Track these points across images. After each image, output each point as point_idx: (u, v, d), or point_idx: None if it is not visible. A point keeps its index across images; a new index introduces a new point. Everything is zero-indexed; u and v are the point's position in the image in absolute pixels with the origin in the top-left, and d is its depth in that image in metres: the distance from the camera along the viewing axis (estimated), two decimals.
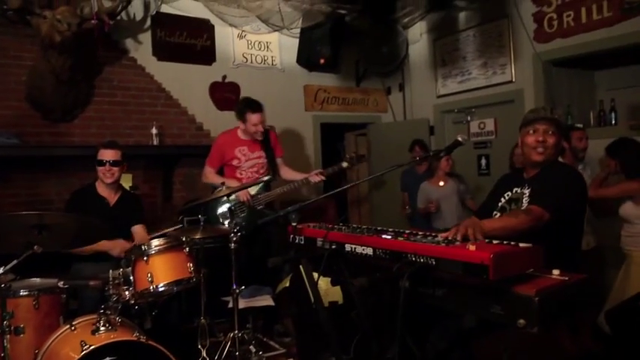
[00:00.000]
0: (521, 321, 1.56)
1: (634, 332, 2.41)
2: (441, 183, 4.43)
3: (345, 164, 3.90)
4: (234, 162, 3.89)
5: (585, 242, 3.69)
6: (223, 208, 3.81)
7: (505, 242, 1.78)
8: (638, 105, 4.50)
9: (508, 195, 2.37)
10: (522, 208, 2.12)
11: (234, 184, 3.68)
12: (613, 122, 4.27)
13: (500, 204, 2.40)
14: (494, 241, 1.82)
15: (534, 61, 4.69)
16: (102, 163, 3.19)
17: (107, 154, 3.20)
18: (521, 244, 1.75)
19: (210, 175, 3.95)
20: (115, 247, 3.07)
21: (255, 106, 3.85)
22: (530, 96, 4.73)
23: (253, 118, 3.80)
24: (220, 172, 3.98)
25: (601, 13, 4.15)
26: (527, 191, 2.27)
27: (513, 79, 4.89)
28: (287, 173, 4.05)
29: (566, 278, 1.69)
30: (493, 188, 2.55)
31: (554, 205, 2.09)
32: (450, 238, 1.88)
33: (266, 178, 3.79)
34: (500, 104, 4.89)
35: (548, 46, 4.56)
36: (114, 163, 3.20)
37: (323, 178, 3.88)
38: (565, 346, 3.49)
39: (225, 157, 3.90)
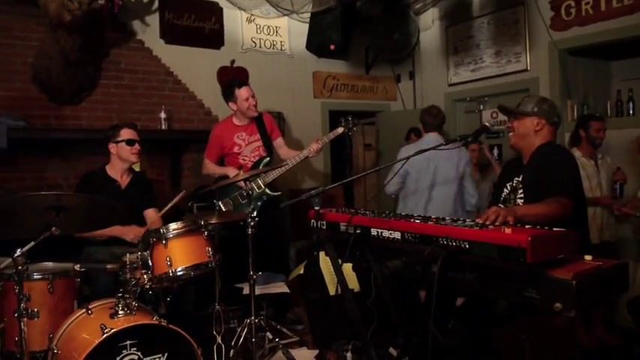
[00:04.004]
0: (558, 305, 1.55)
1: None
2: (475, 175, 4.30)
3: (340, 129, 3.81)
4: (235, 149, 3.81)
5: (609, 234, 3.67)
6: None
7: (538, 227, 1.78)
8: None
9: (510, 185, 2.40)
10: (553, 198, 2.09)
11: (233, 172, 3.62)
12: (631, 112, 4.22)
13: (503, 195, 2.43)
14: (527, 226, 1.81)
15: (550, 49, 4.62)
16: (131, 143, 3.17)
17: (133, 134, 3.20)
18: (555, 229, 1.74)
19: (209, 166, 3.87)
20: (129, 232, 3.01)
21: (239, 81, 3.83)
22: (545, 85, 4.68)
23: (242, 92, 3.72)
24: (220, 163, 3.91)
25: (621, 1, 4.09)
26: (522, 179, 2.32)
27: (528, 68, 4.84)
28: (288, 153, 3.93)
29: (601, 263, 1.70)
30: (499, 177, 2.59)
31: (574, 194, 2.14)
32: (482, 222, 1.87)
33: (266, 159, 3.78)
34: (514, 93, 4.81)
35: (565, 34, 4.50)
36: (139, 143, 3.22)
37: (320, 145, 3.77)
38: (580, 338, 3.48)
39: (224, 146, 3.82)
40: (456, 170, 3.59)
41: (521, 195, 2.29)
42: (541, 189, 2.16)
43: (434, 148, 2.47)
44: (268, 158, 3.83)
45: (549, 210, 2.02)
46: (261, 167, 3.75)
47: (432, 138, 3.56)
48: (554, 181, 2.14)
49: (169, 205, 3.28)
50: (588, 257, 1.73)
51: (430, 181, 3.58)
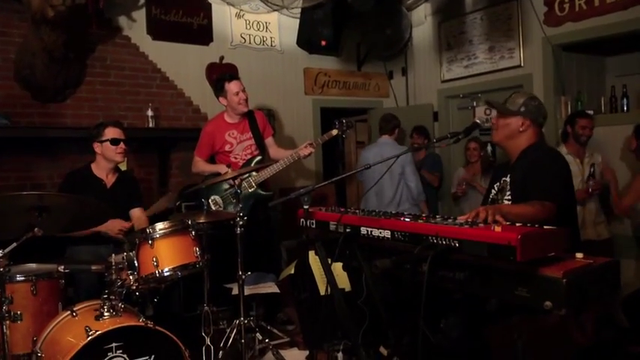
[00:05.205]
0: (548, 303, 1.53)
1: None
2: (473, 173, 4.54)
3: (334, 131, 3.72)
4: (227, 147, 3.73)
5: (596, 233, 3.65)
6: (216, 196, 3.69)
7: (529, 224, 1.75)
8: None
9: (497, 185, 2.41)
10: (537, 201, 2.10)
11: (225, 169, 3.55)
12: (625, 109, 4.19)
13: (491, 196, 2.43)
14: (517, 224, 1.79)
15: (544, 45, 4.59)
16: (116, 142, 3.09)
17: (118, 132, 3.12)
18: (545, 227, 1.71)
19: (199, 164, 3.79)
20: (113, 226, 2.94)
21: (229, 75, 3.76)
22: (539, 81, 4.65)
23: (232, 86, 3.64)
24: (211, 161, 3.83)
25: None
26: (509, 179, 2.31)
27: (522, 64, 4.80)
28: (277, 153, 3.86)
29: (591, 261, 1.68)
30: (490, 180, 2.58)
31: (559, 197, 2.13)
32: (469, 220, 1.85)
33: (258, 158, 3.72)
34: (508, 89, 4.74)
35: (559, 29, 4.47)
36: (125, 142, 3.13)
37: (313, 149, 3.70)
38: (574, 336, 3.45)
39: (215, 144, 3.74)
40: (400, 167, 4.22)
41: (509, 195, 2.28)
42: (527, 191, 2.17)
43: (425, 146, 2.44)
44: (260, 157, 3.76)
45: (532, 211, 2.03)
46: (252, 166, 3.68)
47: (384, 140, 4.39)
48: (539, 185, 2.15)
49: (154, 207, 3.20)
50: (579, 255, 1.70)
51: (378, 176, 3.92)
